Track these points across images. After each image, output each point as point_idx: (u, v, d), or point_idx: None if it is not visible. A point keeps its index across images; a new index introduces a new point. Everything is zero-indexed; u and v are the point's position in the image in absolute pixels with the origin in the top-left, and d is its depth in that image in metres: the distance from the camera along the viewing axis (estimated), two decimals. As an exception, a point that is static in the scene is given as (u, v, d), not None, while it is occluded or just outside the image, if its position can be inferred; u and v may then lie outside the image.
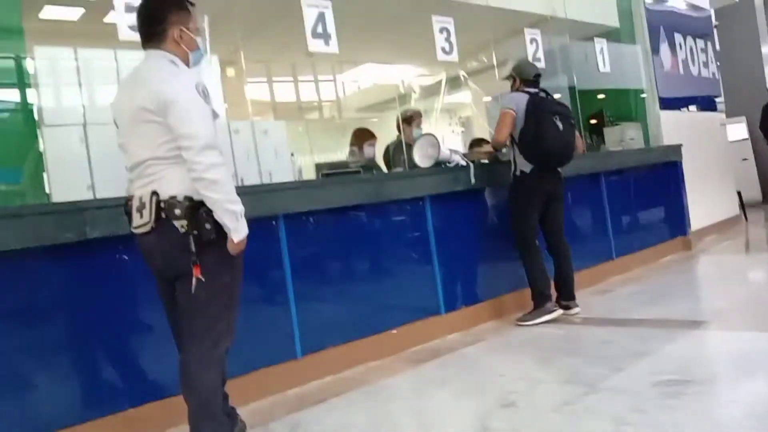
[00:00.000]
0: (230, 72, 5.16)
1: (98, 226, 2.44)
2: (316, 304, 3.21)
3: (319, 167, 3.82)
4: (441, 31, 4.31)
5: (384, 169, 4.76)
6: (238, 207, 1.98)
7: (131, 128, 2.04)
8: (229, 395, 2.26)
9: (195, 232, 1.95)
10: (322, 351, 3.16)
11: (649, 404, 2.28)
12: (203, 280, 1.97)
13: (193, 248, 1.95)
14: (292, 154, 3.63)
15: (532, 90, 3.91)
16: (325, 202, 3.24)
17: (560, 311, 3.89)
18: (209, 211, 1.95)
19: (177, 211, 1.95)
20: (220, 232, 1.97)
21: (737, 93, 8.60)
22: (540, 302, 3.87)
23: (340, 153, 5.24)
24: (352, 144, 4.83)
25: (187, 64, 2.12)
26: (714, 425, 2.06)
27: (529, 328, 3.73)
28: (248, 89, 4.65)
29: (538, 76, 4.00)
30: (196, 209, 1.95)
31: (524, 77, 3.99)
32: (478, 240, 4.11)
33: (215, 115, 2.09)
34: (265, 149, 3.54)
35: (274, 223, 3.08)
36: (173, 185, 1.97)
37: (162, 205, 1.96)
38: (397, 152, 4.74)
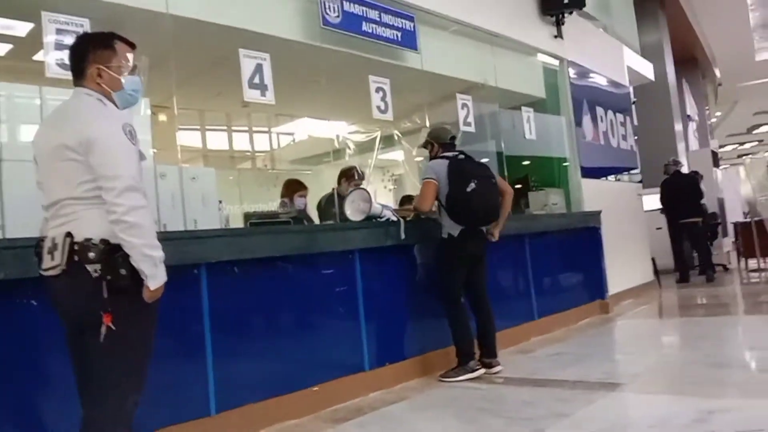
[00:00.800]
0: (162, 117, 5.08)
1: (5, 267, 2.28)
2: (235, 358, 3.09)
3: (247, 216, 3.76)
4: (377, 90, 4.42)
5: (316, 221, 4.74)
6: (158, 253, 1.91)
7: (50, 165, 1.95)
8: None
9: (109, 277, 1.85)
10: (238, 408, 3.01)
11: (568, 466, 2.28)
12: (114, 329, 1.86)
13: (105, 294, 1.85)
14: (220, 202, 3.56)
15: (449, 154, 4.02)
16: (252, 251, 3.17)
17: (483, 370, 3.91)
18: (126, 256, 1.86)
19: (91, 255, 1.85)
20: (136, 278, 1.88)
21: (652, 165, 9.15)
22: (464, 360, 3.89)
23: (272, 204, 5.20)
24: (283, 195, 4.81)
25: (116, 104, 2.06)
26: (629, 488, 2.08)
27: (452, 387, 3.72)
28: (180, 135, 4.58)
29: (453, 138, 4.15)
30: (112, 253, 1.86)
31: (441, 141, 4.11)
32: (405, 296, 4.11)
33: (142, 157, 2.03)
34: (193, 196, 3.46)
35: (195, 271, 2.97)
36: (90, 227, 1.88)
37: (75, 247, 1.86)
38: (329, 205, 4.74)
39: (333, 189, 4.76)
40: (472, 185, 3.86)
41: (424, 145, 4.24)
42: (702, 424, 2.61)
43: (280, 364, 3.31)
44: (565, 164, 6.64)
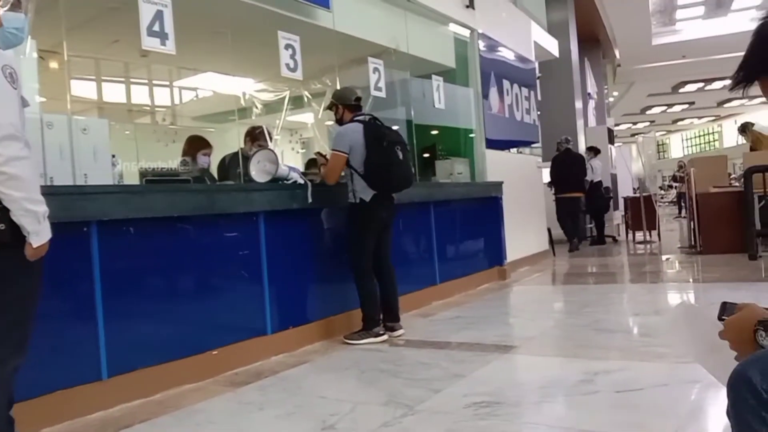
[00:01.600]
0: (53, 64, 4.69)
1: None
2: (128, 321, 2.95)
3: (143, 173, 3.56)
4: (287, 47, 4.27)
5: (218, 181, 4.58)
6: (41, 208, 1.77)
7: None
8: (15, 420, 1.98)
9: None
10: (132, 372, 2.90)
11: (463, 425, 2.37)
12: None
13: None
14: (113, 156, 3.33)
15: (361, 117, 3.98)
16: (147, 210, 3.01)
17: (386, 336, 3.97)
18: (5, 210, 1.71)
19: None
20: (17, 234, 1.74)
21: (553, 140, 9.53)
22: (369, 325, 3.94)
23: (172, 162, 4.96)
24: (185, 152, 4.61)
25: None
26: (518, 444, 2.19)
27: (354, 350, 3.75)
28: (73, 85, 4.25)
29: (359, 99, 4.10)
30: None
31: (346, 102, 4.06)
32: (311, 260, 4.08)
33: (24, 103, 1.85)
34: (83, 149, 3.21)
35: (85, 229, 2.79)
36: None
37: None
38: (233, 165, 4.59)
39: (239, 149, 4.60)
40: (398, 152, 3.88)
41: (329, 107, 4.17)
42: (587, 384, 2.78)
43: (178, 327, 3.20)
44: (471, 135, 6.78)
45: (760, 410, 0.94)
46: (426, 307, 5.02)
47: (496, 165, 6.78)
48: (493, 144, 6.85)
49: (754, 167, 6.67)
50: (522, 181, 7.52)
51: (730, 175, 9.46)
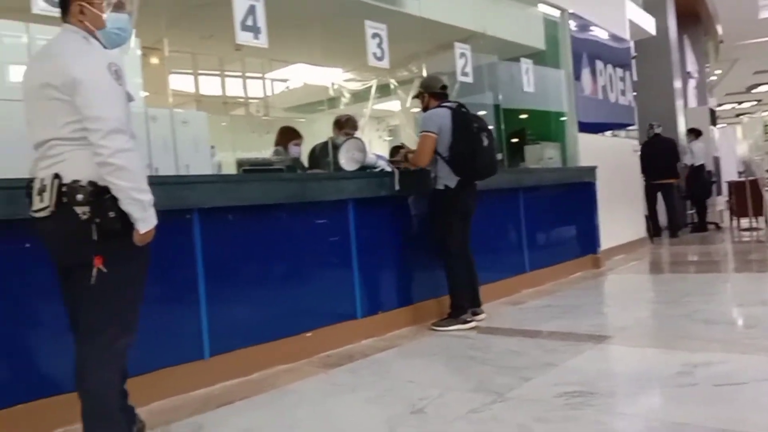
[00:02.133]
0: (154, 59, 4.97)
1: (-6, 208, 2.26)
2: (228, 303, 3.10)
3: (240, 163, 3.72)
4: (373, 36, 4.31)
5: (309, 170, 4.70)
6: (147, 196, 1.88)
7: (36, 104, 1.90)
8: (129, 393, 2.14)
9: (98, 220, 1.83)
10: (231, 352, 3.05)
11: (554, 414, 2.33)
12: (104, 271, 1.85)
13: (94, 237, 1.84)
14: (212, 147, 3.51)
15: (447, 104, 3.97)
16: (244, 198, 3.15)
17: (475, 323, 3.96)
18: (114, 199, 1.83)
19: (79, 197, 1.82)
20: (126, 221, 1.86)
21: (650, 122, 9.08)
22: (457, 312, 3.95)
23: (265, 151, 5.15)
24: (277, 142, 4.76)
25: (102, 43, 2.00)
26: (612, 436, 2.13)
27: (442, 336, 3.77)
28: (172, 79, 4.49)
29: (444, 87, 4.09)
30: (101, 195, 1.83)
31: (432, 90, 4.06)
32: (399, 246, 4.12)
33: (129, 98, 1.98)
34: (184, 141, 3.41)
35: (188, 216, 2.96)
36: (78, 169, 1.84)
37: (63, 189, 1.83)
38: (322, 154, 4.70)
39: (329, 138, 4.70)
40: (484, 139, 3.87)
41: (416, 95, 4.19)
42: (685, 376, 2.66)
43: (273, 310, 3.33)
44: (562, 118, 6.58)
45: None
46: (515, 296, 4.95)
47: (589, 149, 6.55)
48: (585, 127, 6.62)
49: None
50: (617, 166, 7.22)
51: None
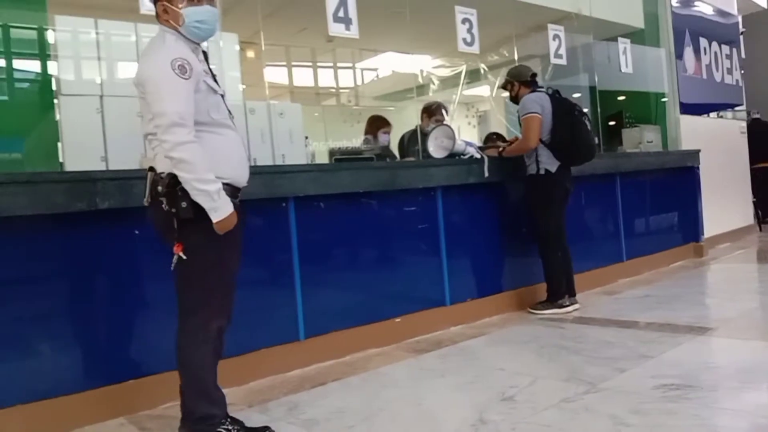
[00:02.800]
0: (250, 53, 5.16)
1: (109, 197, 2.45)
2: (321, 288, 3.22)
3: (332, 152, 3.81)
4: (463, 22, 4.28)
5: (398, 158, 4.75)
6: (211, 186, 1.92)
7: (139, 102, 2.05)
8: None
9: (173, 210, 1.95)
10: (325, 335, 3.17)
11: (649, 407, 2.26)
12: (184, 257, 1.97)
13: (175, 225, 1.96)
14: (306, 138, 3.62)
15: (544, 90, 3.95)
16: (337, 187, 3.24)
17: (571, 308, 3.92)
18: (185, 190, 1.93)
19: (160, 188, 1.96)
20: (201, 210, 1.94)
21: (759, 101, 8.47)
22: (555, 297, 3.95)
23: (355, 140, 5.24)
24: (366, 131, 4.83)
25: (189, 39, 2.06)
26: (712, 431, 2.05)
27: (533, 324, 3.73)
28: (267, 72, 4.65)
29: (534, 75, 4.04)
30: (173, 187, 1.94)
31: (522, 79, 4.02)
32: (488, 234, 4.10)
33: (218, 91, 2.06)
34: (280, 132, 3.53)
35: (284, 204, 3.08)
36: (161, 162, 1.98)
37: (155, 181, 1.99)
38: (411, 142, 4.73)
39: (417, 126, 4.72)
40: (587, 124, 3.88)
41: (504, 86, 4.15)
42: (798, 372, 2.50)
43: (364, 295, 3.42)
44: (663, 99, 6.26)
45: None
46: (611, 285, 4.80)
47: (692, 131, 6.20)
48: (688, 108, 6.27)
49: None
50: (723, 149, 6.80)
51: None
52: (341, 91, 8.40)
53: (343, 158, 3.64)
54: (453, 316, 3.77)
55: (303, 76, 7.96)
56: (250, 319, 2.79)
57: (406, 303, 3.58)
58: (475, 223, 4.04)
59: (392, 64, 7.74)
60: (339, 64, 8.15)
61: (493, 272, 4.10)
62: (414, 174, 3.66)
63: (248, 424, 2.18)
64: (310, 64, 7.92)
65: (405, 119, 5.91)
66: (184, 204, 1.93)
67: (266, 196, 2.84)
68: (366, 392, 2.71)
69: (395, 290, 3.55)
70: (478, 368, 2.95)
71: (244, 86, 3.91)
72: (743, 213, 7.28)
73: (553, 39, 4.93)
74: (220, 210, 1.95)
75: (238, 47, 3.71)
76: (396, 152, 4.93)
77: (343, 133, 6.66)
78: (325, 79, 8.19)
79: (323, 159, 4.07)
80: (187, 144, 1.89)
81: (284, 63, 7.52)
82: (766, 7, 9.06)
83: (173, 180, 1.93)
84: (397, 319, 3.49)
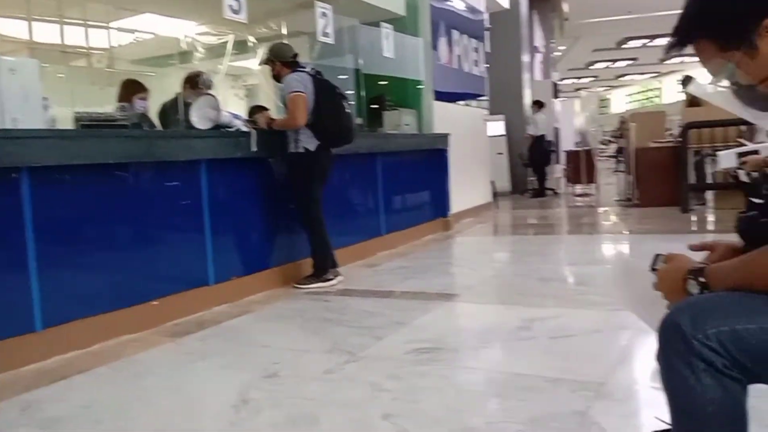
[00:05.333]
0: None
1: None
2: (64, 271, 2.86)
3: (79, 118, 3.40)
4: (230, -13, 4.09)
5: (160, 128, 4.43)
6: None
7: None
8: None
9: None
10: (68, 323, 2.82)
11: (404, 370, 2.42)
12: None
13: None
14: (44, 99, 3.16)
15: (308, 70, 3.96)
16: (83, 157, 2.89)
17: (336, 280, 4.04)
18: None
19: None
20: None
21: (499, 93, 9.57)
22: (320, 271, 4.03)
23: (110, 107, 4.76)
24: (120, 98, 4.43)
25: None
26: (457, 389, 2.26)
27: (297, 300, 3.77)
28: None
29: (296, 55, 4.05)
30: None
31: (283, 58, 4.00)
32: (255, 210, 4.02)
33: None
34: (11, 91, 3.03)
35: (14, 176, 2.66)
36: None
37: None
38: (172, 111, 4.45)
39: (177, 94, 4.44)
40: (346, 107, 3.97)
41: (265, 62, 4.09)
42: (524, 330, 2.88)
43: (117, 278, 3.13)
44: (419, 86, 6.73)
45: (688, 355, 0.97)
46: (371, 258, 5.06)
47: (443, 117, 6.78)
48: (440, 96, 6.83)
49: (691, 123, 6.89)
50: (468, 134, 7.55)
51: (668, 130, 9.76)
52: (93, 51, 7.56)
53: (91, 124, 3.27)
54: (217, 296, 3.63)
55: (47, 32, 6.99)
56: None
57: (166, 284, 3.36)
58: (241, 199, 3.93)
59: (153, 26, 7.17)
60: (91, 22, 7.30)
61: (259, 249, 4.05)
62: (175, 145, 3.43)
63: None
64: (56, 18, 6.97)
65: (167, 87, 5.53)
66: None
67: (-9, 166, 2.43)
68: (117, 383, 2.49)
69: (153, 271, 3.31)
70: (241, 347, 2.89)
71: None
72: (483, 192, 8.21)
73: (321, 16, 4.98)
74: None
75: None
76: (157, 122, 4.59)
77: (93, 98, 6.00)
78: (75, 37, 7.29)
79: (68, 126, 3.60)
80: None
81: (23, 15, 6.52)
82: (508, 7, 10.22)
83: None
84: (155, 302, 3.26)
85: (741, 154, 4.83)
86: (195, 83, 4.54)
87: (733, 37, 1.06)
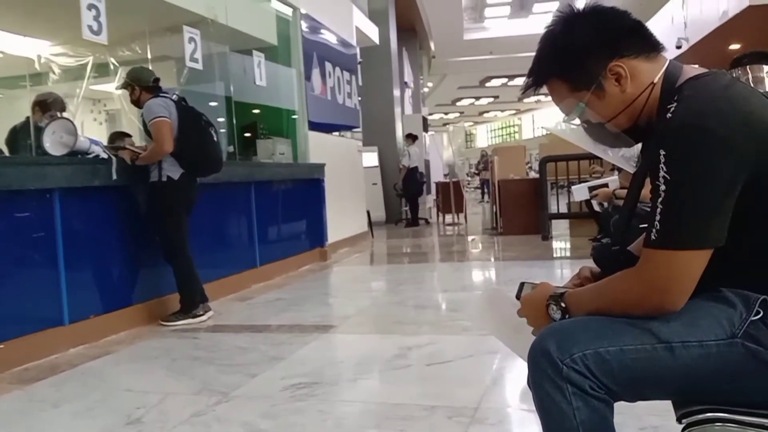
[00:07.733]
0: None
1: None
2: None
3: None
4: (89, 8, 3.84)
5: (8, 154, 4.04)
6: None
7: None
8: None
9: None
10: None
11: (280, 408, 2.33)
12: None
13: None
14: None
15: (171, 96, 3.82)
16: None
17: (206, 316, 3.85)
18: None
19: None
20: None
21: (372, 125, 9.77)
22: (189, 307, 3.82)
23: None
24: (-40, 120, 3.98)
25: None
26: (335, 423, 2.20)
27: (164, 338, 3.54)
28: None
29: (157, 80, 3.89)
30: None
31: (143, 84, 3.82)
32: (116, 242, 3.76)
33: None
34: None
35: None
36: None
37: None
38: (23, 135, 4.08)
39: (27, 117, 4.08)
40: (213, 135, 3.83)
41: (123, 87, 3.89)
42: (401, 359, 2.89)
43: (-49, 321, 2.77)
44: (294, 116, 6.70)
45: (558, 380, 1.00)
46: (245, 291, 4.89)
47: (319, 147, 6.79)
48: (315, 126, 6.84)
49: (547, 157, 7.41)
50: (343, 164, 7.62)
51: (527, 163, 10.45)
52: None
53: None
54: (73, 337, 3.32)
55: None
56: None
57: (12, 326, 3.02)
58: (100, 231, 3.65)
59: (2, 45, 6.58)
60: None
61: (121, 284, 3.77)
62: (24, 172, 3.13)
63: None
64: None
65: (18, 110, 5.08)
66: None
67: None
68: (-51, 441, 2.18)
69: (-3, 311, 2.97)
70: (100, 392, 2.65)
71: None
72: (358, 222, 8.28)
73: (189, 42, 4.81)
74: None
75: None
76: (6, 148, 4.19)
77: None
78: None
79: None
80: None
81: None
82: (378, 42, 10.52)
83: None
84: (0, 346, 2.92)
85: (592, 188, 5.30)
86: (46, 106, 4.20)
87: (582, 78, 1.14)
